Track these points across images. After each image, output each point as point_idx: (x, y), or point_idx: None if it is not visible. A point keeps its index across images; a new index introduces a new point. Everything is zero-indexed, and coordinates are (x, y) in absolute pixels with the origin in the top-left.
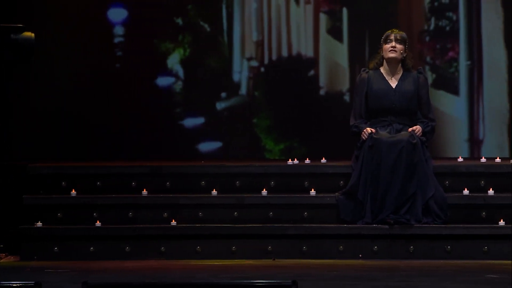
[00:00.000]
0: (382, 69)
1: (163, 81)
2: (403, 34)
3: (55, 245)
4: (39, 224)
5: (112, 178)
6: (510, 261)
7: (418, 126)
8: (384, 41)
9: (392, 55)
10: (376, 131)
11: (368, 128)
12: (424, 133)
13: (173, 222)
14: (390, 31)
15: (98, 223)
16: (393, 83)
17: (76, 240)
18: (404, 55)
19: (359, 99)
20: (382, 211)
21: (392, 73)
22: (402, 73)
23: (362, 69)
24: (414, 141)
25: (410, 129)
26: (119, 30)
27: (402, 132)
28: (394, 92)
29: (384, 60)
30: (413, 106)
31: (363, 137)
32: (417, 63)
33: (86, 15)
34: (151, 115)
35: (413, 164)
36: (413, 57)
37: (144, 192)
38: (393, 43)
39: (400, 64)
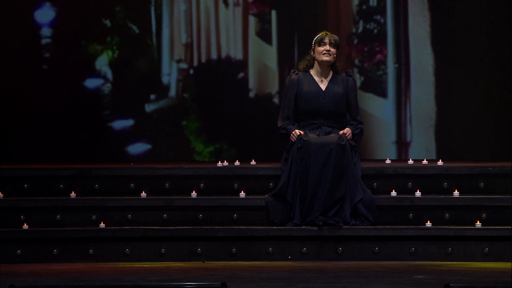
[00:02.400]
0: (312, 71)
1: (91, 83)
2: (337, 37)
3: None
4: None
5: (40, 180)
6: (436, 262)
7: (348, 129)
8: (318, 43)
9: (326, 58)
10: (305, 133)
11: (296, 130)
12: (353, 135)
13: (102, 225)
14: (324, 33)
15: (25, 226)
16: (323, 86)
17: (3, 243)
18: (336, 59)
19: (288, 101)
20: (311, 213)
21: (322, 76)
22: (332, 75)
23: (292, 70)
24: (343, 143)
25: (340, 132)
26: (46, 31)
27: (331, 135)
28: (324, 94)
29: (316, 62)
30: (342, 108)
31: (292, 139)
32: (346, 65)
33: (12, 16)
34: (80, 117)
35: (342, 167)
36: (343, 60)
37: (73, 194)
38: (327, 47)
39: (330, 67)
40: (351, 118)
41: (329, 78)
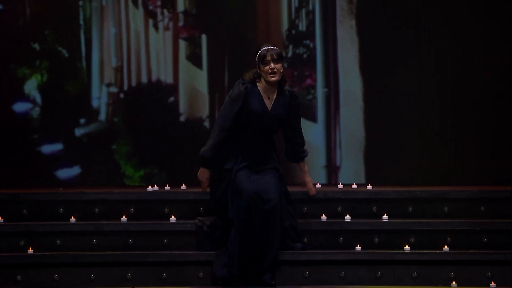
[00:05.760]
0: (259, 85)
1: (20, 106)
2: (278, 50)
3: None
4: None
5: None
6: (366, 286)
7: (312, 188)
8: (261, 61)
9: (273, 79)
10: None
11: (204, 183)
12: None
13: (30, 250)
14: (265, 49)
15: None
16: (269, 105)
17: None
18: (281, 72)
19: (231, 110)
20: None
21: (269, 92)
22: (277, 92)
23: (242, 80)
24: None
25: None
26: None
27: (269, 185)
28: (268, 115)
29: (263, 79)
30: (280, 128)
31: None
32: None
33: None
34: (8, 141)
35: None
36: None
37: (0, 219)
38: (272, 64)
39: (277, 83)
40: (296, 138)
41: (275, 95)
